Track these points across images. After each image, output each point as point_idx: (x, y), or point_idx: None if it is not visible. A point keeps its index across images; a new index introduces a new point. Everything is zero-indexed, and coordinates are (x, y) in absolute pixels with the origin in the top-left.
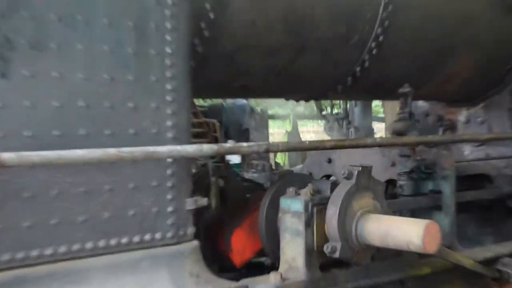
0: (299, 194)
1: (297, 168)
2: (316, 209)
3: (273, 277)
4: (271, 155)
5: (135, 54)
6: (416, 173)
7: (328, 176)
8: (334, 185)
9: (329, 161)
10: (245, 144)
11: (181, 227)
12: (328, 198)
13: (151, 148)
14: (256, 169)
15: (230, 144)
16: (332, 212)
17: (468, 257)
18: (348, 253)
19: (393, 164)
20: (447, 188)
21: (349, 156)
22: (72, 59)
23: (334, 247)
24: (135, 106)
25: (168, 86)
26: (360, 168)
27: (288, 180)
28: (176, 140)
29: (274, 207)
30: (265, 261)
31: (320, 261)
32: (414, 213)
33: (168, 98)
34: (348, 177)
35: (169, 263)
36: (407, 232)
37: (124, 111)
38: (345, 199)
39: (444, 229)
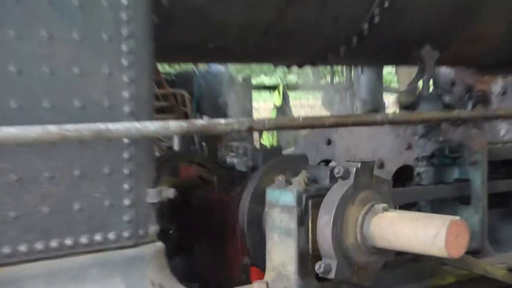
0: (290, 183)
1: (288, 152)
2: (312, 203)
3: (257, 287)
4: (256, 135)
5: (81, 5)
6: (438, 157)
7: (327, 162)
8: (334, 171)
9: (328, 142)
10: (222, 121)
11: (141, 225)
12: (327, 188)
13: (102, 126)
14: (236, 153)
15: (203, 121)
16: (325, 222)
17: (502, 264)
18: (346, 272)
19: (409, 147)
20: (477, 177)
21: (354, 136)
22: None
23: (328, 265)
24: (82, 72)
25: (124, 47)
26: (360, 165)
27: (277, 165)
28: (135, 116)
29: (259, 200)
30: (243, 262)
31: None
32: (435, 208)
33: (124, 62)
34: (344, 176)
35: (126, 271)
36: (425, 231)
37: (67, 79)
38: (341, 204)
39: (472, 227)
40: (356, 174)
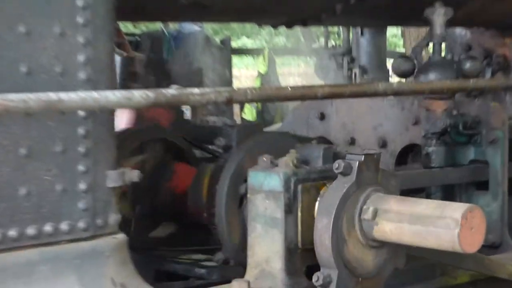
0: (276, 165)
1: (275, 128)
2: (302, 188)
3: (237, 287)
4: (236, 108)
5: None
6: (451, 135)
7: (320, 140)
8: (329, 151)
9: (322, 117)
10: (196, 90)
11: (100, 213)
12: (320, 171)
13: (53, 95)
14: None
15: (174, 90)
16: (324, 226)
17: None
18: (349, 284)
19: (417, 122)
20: (497, 158)
21: (352, 110)
22: None
23: (327, 277)
24: (28, 31)
25: (79, 1)
26: (363, 158)
27: (260, 144)
28: (92, 84)
29: (239, 185)
30: (215, 258)
31: (307, 264)
32: (447, 194)
33: (79, 19)
34: (345, 171)
35: (81, 268)
36: (435, 222)
37: (10, 39)
38: (341, 205)
39: (490, 217)
40: (359, 169)
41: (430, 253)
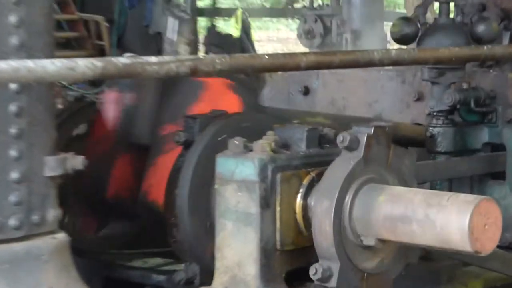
0: (251, 150)
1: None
2: (282, 177)
3: None
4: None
5: None
6: (460, 113)
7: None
8: (314, 132)
9: (306, 91)
10: (153, 59)
11: (36, 208)
12: (304, 157)
13: None
14: None
15: (126, 58)
16: (325, 210)
17: None
18: (353, 280)
19: (420, 98)
20: None
21: (342, 83)
22: None
23: (327, 270)
24: None
25: None
26: (372, 130)
27: (231, 125)
28: (26, 51)
29: (205, 173)
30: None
31: (287, 268)
32: (455, 184)
33: None
34: (351, 145)
35: (12, 274)
36: (442, 217)
37: None
38: (346, 185)
39: (508, 211)
40: (368, 143)
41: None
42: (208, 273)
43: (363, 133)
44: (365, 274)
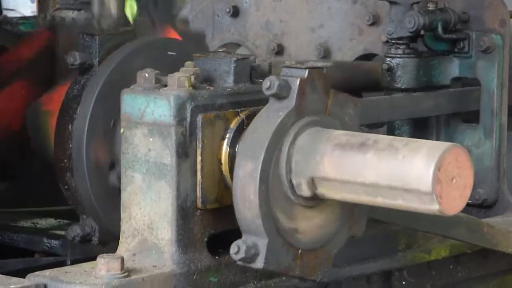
0: (165, 85)
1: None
2: (204, 119)
3: (103, 266)
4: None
5: None
6: (425, 40)
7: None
8: (244, 64)
9: (235, 12)
10: None
11: None
12: (232, 94)
13: None
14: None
15: None
16: (248, 174)
17: None
18: (284, 258)
19: (375, 21)
20: (491, 75)
21: (279, 2)
22: None
23: (253, 247)
24: None
25: None
26: (306, 72)
27: (140, 52)
28: None
29: (107, 112)
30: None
31: (209, 232)
32: (418, 129)
33: None
34: (280, 92)
35: None
36: (402, 167)
37: None
38: (274, 143)
39: (481, 162)
40: (301, 90)
41: (401, 217)
42: (110, 234)
43: (295, 77)
44: (300, 251)
